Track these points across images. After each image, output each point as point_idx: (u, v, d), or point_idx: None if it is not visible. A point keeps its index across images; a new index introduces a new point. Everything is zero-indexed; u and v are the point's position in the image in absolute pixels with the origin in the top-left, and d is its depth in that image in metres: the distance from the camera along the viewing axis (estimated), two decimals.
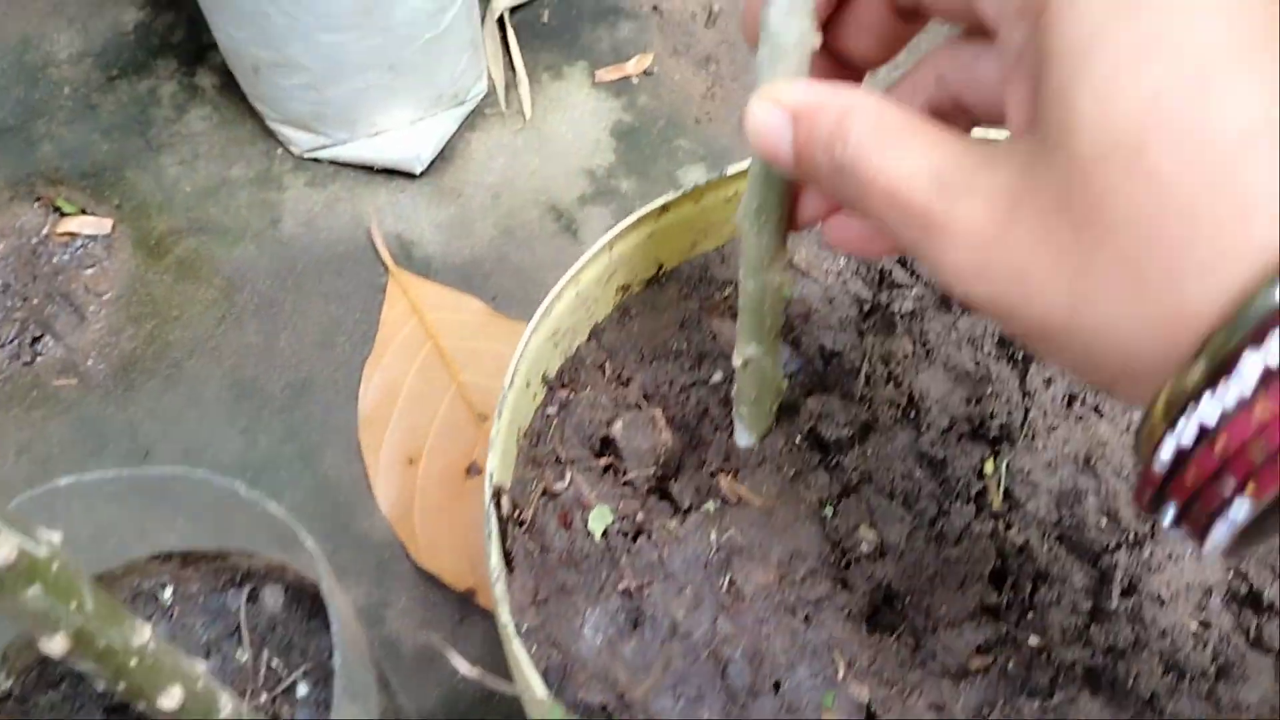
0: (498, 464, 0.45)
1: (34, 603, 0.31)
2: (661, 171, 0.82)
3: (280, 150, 0.82)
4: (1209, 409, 0.24)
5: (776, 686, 0.45)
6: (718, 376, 0.52)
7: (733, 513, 0.48)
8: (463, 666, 0.36)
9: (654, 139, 0.84)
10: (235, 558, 0.42)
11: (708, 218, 0.54)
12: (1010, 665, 0.46)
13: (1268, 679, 0.45)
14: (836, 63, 0.37)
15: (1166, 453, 0.26)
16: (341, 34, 0.72)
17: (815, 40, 0.33)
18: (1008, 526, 0.48)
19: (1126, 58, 0.25)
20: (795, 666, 0.45)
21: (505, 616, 0.41)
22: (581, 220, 0.80)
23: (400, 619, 0.66)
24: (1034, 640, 0.46)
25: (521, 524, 0.47)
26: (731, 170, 0.53)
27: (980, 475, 0.49)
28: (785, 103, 0.32)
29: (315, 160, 0.82)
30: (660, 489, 0.50)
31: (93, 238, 0.78)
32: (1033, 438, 0.49)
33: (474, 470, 0.69)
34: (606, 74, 0.87)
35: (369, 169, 0.82)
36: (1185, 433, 0.25)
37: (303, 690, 0.40)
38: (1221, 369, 0.24)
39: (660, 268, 0.54)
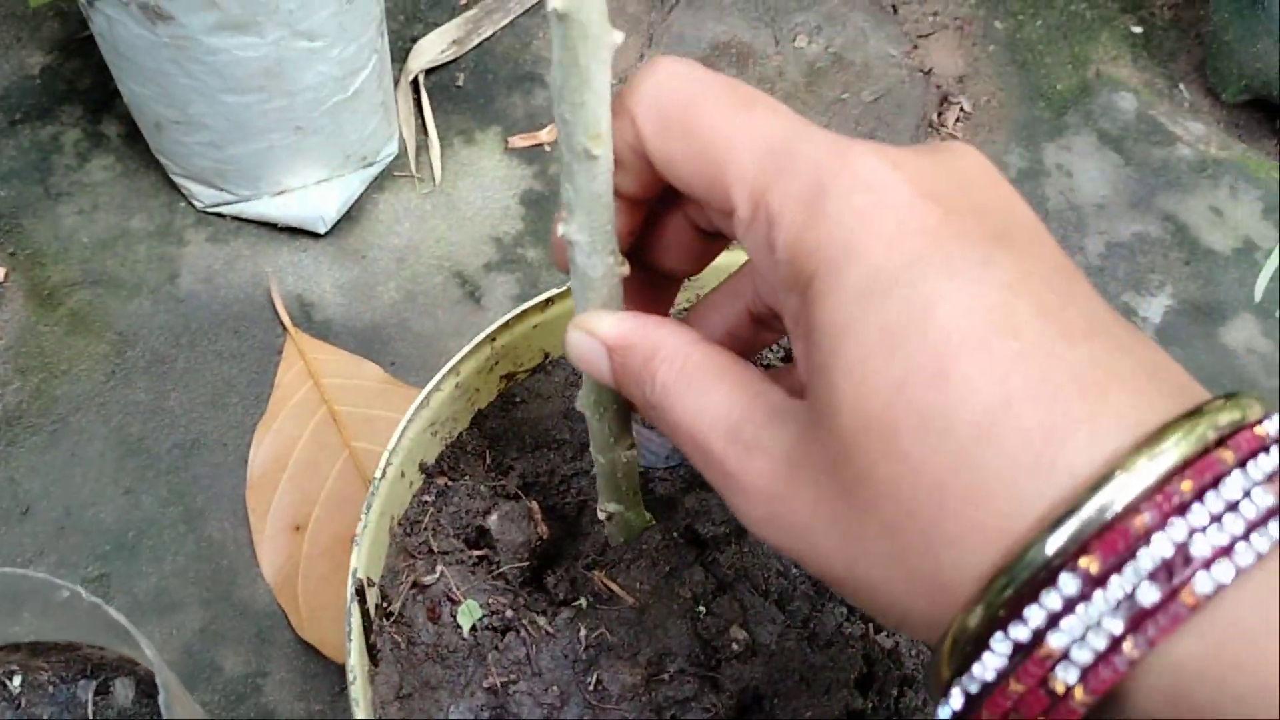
0: (363, 559, 0.44)
1: None
2: None
3: (183, 204, 0.81)
4: (972, 684, 0.26)
5: None
6: None
7: (604, 610, 0.48)
8: None
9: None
10: (86, 650, 0.41)
11: None
12: None
13: None
14: (652, 274, 0.38)
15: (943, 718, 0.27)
16: (246, 96, 0.71)
17: (623, 270, 0.35)
18: (878, 630, 0.49)
19: (876, 345, 0.26)
20: None
21: (359, 714, 0.41)
22: (486, 288, 0.80)
23: (278, 690, 0.65)
24: None
25: (390, 615, 0.47)
26: None
27: None
28: (598, 335, 0.34)
29: (219, 215, 0.81)
30: (535, 579, 0.50)
31: None
32: None
33: None
34: (519, 141, 0.87)
35: (273, 226, 0.81)
36: (955, 701, 0.26)
37: None
38: (979, 644, 0.25)
39: (546, 356, 0.54)
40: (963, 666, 0.26)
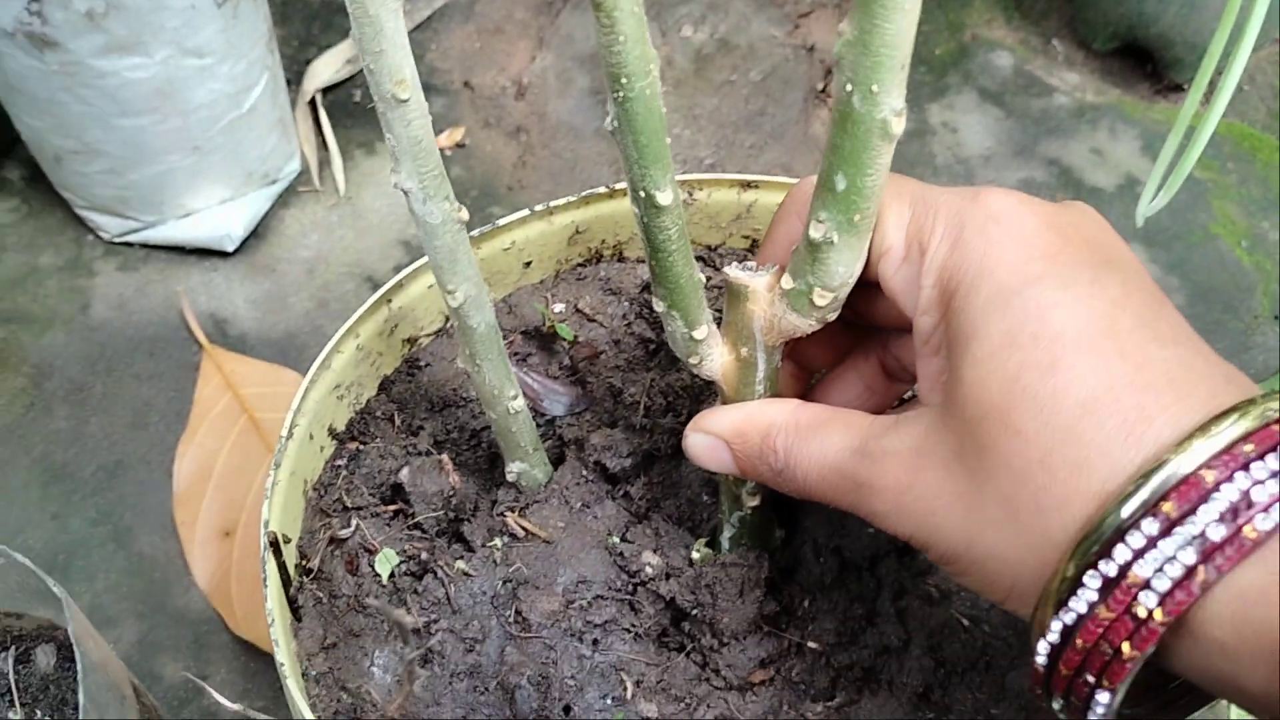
0: (275, 512, 0.45)
1: None
2: None
3: (90, 236, 0.82)
4: (1068, 615, 0.31)
5: (567, 710, 0.46)
6: None
7: (520, 547, 0.49)
8: (224, 701, 0.37)
9: (469, 207, 0.85)
10: (3, 620, 0.42)
11: (489, 268, 0.56)
12: (794, 673, 0.48)
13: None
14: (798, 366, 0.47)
15: (1041, 654, 0.32)
16: (140, 118, 0.72)
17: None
18: (786, 543, 0.50)
19: (997, 345, 0.32)
20: (584, 689, 0.46)
21: (281, 657, 0.41)
22: None
23: (221, 690, 0.65)
24: (813, 646, 0.48)
25: (309, 573, 0.48)
26: (503, 221, 0.55)
27: None
28: (715, 432, 0.41)
29: (126, 244, 0.82)
30: (453, 531, 0.51)
31: None
32: None
33: None
34: None
35: (181, 250, 0.82)
36: (1053, 634, 0.31)
37: None
38: (1075, 583, 0.30)
39: (447, 319, 0.56)
40: (1060, 604, 0.31)
